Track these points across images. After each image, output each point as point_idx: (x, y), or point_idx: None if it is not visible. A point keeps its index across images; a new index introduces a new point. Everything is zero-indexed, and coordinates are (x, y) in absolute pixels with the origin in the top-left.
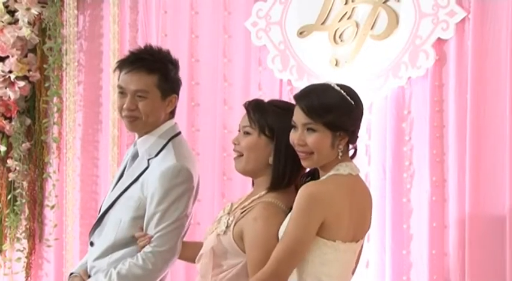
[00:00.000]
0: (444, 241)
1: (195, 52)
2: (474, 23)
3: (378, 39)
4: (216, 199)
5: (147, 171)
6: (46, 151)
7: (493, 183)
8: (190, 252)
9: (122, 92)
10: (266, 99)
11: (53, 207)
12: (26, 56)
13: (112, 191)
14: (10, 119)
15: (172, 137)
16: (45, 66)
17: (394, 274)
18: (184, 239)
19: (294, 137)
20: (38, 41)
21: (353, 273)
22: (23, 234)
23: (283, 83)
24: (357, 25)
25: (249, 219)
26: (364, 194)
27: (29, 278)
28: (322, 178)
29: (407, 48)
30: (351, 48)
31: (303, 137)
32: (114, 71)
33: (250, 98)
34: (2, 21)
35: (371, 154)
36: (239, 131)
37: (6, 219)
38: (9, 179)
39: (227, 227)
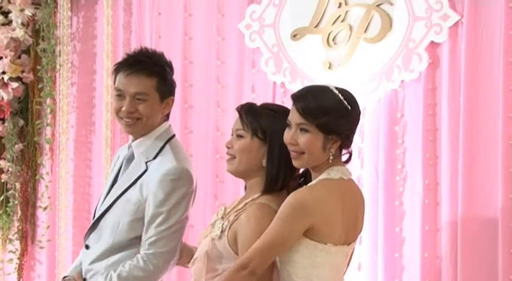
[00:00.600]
0: (436, 244)
1: (188, 54)
2: (467, 27)
3: (371, 42)
4: (208, 201)
5: (145, 174)
6: (39, 152)
7: (485, 186)
8: (183, 257)
9: (120, 95)
10: (259, 102)
11: (45, 208)
12: (19, 57)
13: (107, 194)
14: (3, 120)
15: (169, 140)
16: (38, 67)
17: (386, 277)
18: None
19: (287, 135)
20: (31, 42)
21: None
22: (15, 235)
23: (276, 86)
24: (350, 28)
25: (242, 220)
26: (356, 198)
27: (21, 280)
28: (312, 182)
29: (401, 51)
30: (344, 51)
31: (295, 136)
32: (115, 72)
33: (244, 101)
34: None
35: (364, 156)
36: (232, 134)
37: None
38: (2, 180)
39: (222, 231)
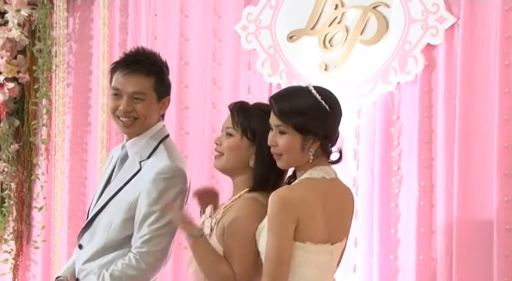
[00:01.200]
0: (432, 246)
1: (184, 55)
2: (463, 29)
3: (368, 44)
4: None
5: (139, 173)
6: (35, 153)
7: (481, 189)
8: None
9: (117, 94)
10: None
11: (41, 209)
12: (15, 57)
13: (101, 194)
14: None
15: (162, 139)
16: (34, 68)
17: (381, 279)
18: None
19: (269, 137)
20: (27, 42)
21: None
22: (11, 235)
23: (272, 87)
24: (347, 30)
25: (231, 214)
26: (342, 197)
27: (16, 280)
28: (294, 182)
29: (397, 53)
30: (341, 53)
31: (274, 138)
32: (111, 72)
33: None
34: None
35: (359, 158)
36: (222, 131)
37: None
38: None
39: (211, 230)
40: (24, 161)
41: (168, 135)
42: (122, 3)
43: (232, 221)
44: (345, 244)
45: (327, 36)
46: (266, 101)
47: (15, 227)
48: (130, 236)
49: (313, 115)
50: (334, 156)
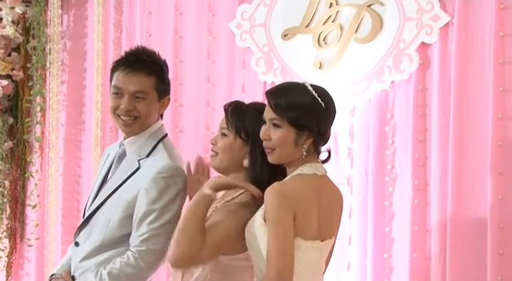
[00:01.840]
0: (426, 244)
1: (179, 53)
2: (458, 28)
3: (362, 42)
4: None
5: (138, 172)
6: (28, 150)
7: (474, 187)
8: None
9: (118, 93)
10: (249, 101)
11: (34, 206)
12: (9, 54)
13: (98, 192)
14: None
15: (161, 138)
16: (28, 65)
17: (375, 277)
18: None
19: (261, 131)
20: (21, 40)
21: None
22: (4, 233)
23: (267, 85)
24: (341, 28)
25: (215, 212)
26: (332, 195)
27: (10, 278)
28: (285, 179)
29: (391, 52)
30: (335, 52)
31: (268, 132)
32: (112, 70)
33: (234, 100)
34: None
35: (353, 157)
36: (218, 131)
37: None
38: None
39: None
40: (18, 159)
41: (166, 135)
42: (117, 1)
43: (216, 216)
44: (334, 243)
45: (322, 34)
46: (260, 99)
47: (9, 225)
48: (127, 235)
49: (309, 111)
50: (322, 155)
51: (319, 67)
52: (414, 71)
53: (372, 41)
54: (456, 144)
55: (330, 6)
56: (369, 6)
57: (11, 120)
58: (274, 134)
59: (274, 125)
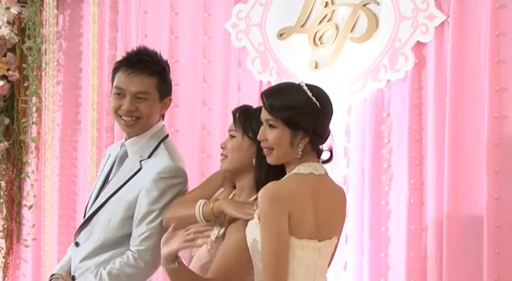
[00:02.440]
0: (422, 243)
1: (174, 53)
2: (453, 27)
3: (358, 42)
4: None
5: (139, 173)
6: (24, 151)
7: (471, 186)
8: None
9: (120, 93)
10: (245, 101)
11: (31, 207)
12: (5, 55)
13: (99, 192)
14: None
15: (163, 139)
16: (24, 65)
17: (371, 277)
18: None
19: (259, 132)
20: (17, 40)
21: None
22: (1, 234)
23: (262, 85)
24: (337, 28)
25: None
26: (332, 195)
27: (6, 279)
28: (282, 178)
29: (387, 51)
30: (331, 51)
31: (264, 132)
32: (114, 71)
33: (230, 100)
34: None
35: (350, 156)
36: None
37: None
38: None
39: (217, 237)
40: (14, 160)
41: (167, 135)
42: (112, 1)
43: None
44: (336, 244)
45: (317, 33)
46: (257, 98)
47: (5, 226)
48: (128, 235)
49: (303, 110)
50: (325, 155)
51: (315, 66)
52: (410, 70)
53: (367, 40)
54: (452, 143)
55: (326, 6)
56: (364, 5)
57: (6, 120)
58: (270, 135)
59: (270, 125)
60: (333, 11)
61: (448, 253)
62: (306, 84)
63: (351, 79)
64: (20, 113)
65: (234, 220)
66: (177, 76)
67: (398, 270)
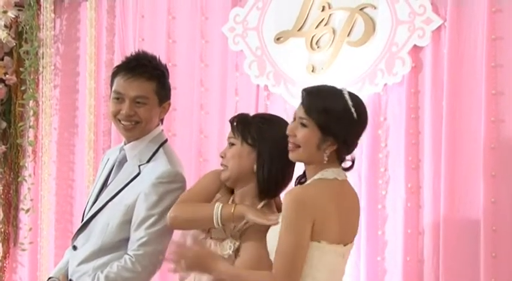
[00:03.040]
0: (419, 247)
1: (172, 57)
2: (450, 31)
3: (355, 46)
4: None
5: (138, 177)
6: (21, 155)
7: (467, 190)
8: None
9: (119, 98)
10: (243, 105)
11: (28, 211)
12: (2, 59)
13: (98, 195)
14: None
15: (162, 144)
16: (21, 69)
17: (368, 280)
18: None
19: (289, 127)
20: (14, 44)
21: None
22: None
23: (259, 89)
24: (334, 32)
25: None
26: (352, 199)
27: None
28: (306, 182)
29: (384, 55)
30: (328, 55)
31: (295, 129)
32: (113, 75)
33: (227, 104)
34: None
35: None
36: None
37: None
38: None
39: (234, 251)
40: (11, 163)
41: (166, 140)
42: (109, 5)
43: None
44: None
45: (314, 37)
46: (253, 102)
47: (2, 229)
48: (126, 239)
49: (338, 118)
50: (345, 163)
51: (312, 70)
52: (407, 74)
53: (364, 44)
54: (449, 147)
55: (323, 10)
56: (361, 9)
57: (4, 124)
58: (300, 132)
59: (302, 124)
60: (330, 15)
61: (445, 256)
62: (348, 92)
63: (347, 83)
64: (17, 117)
65: (244, 231)
66: (175, 80)
67: (395, 274)
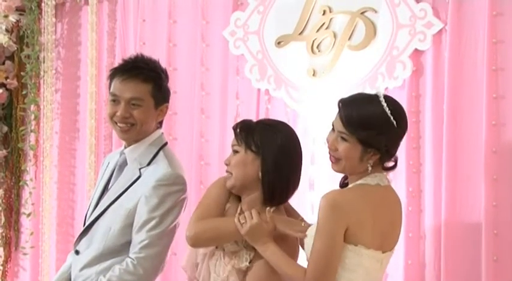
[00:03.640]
0: (420, 251)
1: (173, 61)
2: (451, 35)
3: (355, 49)
4: (192, 208)
5: (139, 180)
6: (23, 159)
7: (469, 194)
8: None
9: (115, 100)
10: (243, 109)
11: (29, 215)
12: (3, 63)
13: (99, 200)
14: None
15: (162, 147)
16: (22, 73)
17: None
18: None
19: (329, 138)
20: (15, 48)
21: None
22: None
23: (260, 93)
24: (335, 35)
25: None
26: (394, 206)
27: None
28: (348, 187)
29: (385, 59)
30: (329, 59)
31: (335, 142)
32: (109, 78)
33: (228, 108)
34: None
35: None
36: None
37: None
38: None
39: (250, 261)
40: (13, 167)
41: (166, 143)
42: (110, 9)
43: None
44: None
45: (315, 41)
46: (254, 106)
47: (4, 234)
48: (128, 243)
49: (379, 130)
50: (388, 163)
51: (313, 74)
52: (408, 77)
53: (365, 48)
54: (450, 150)
55: (324, 14)
56: (362, 13)
57: (5, 128)
58: (341, 146)
59: (342, 138)
60: (331, 19)
61: (446, 260)
62: (385, 98)
63: (348, 87)
64: (19, 121)
65: None
66: (175, 84)
67: (396, 278)
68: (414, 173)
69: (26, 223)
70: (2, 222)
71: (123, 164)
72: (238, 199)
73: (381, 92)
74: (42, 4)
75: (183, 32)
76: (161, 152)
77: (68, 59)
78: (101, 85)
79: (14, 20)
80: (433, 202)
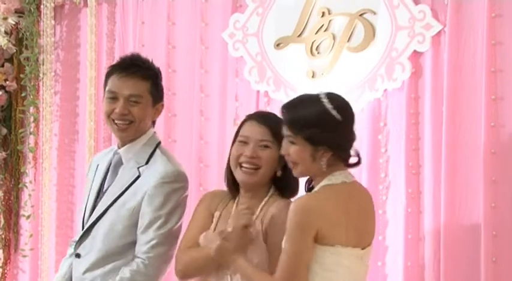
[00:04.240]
0: (419, 252)
1: (172, 63)
2: (450, 36)
3: (355, 51)
4: (192, 208)
5: (139, 179)
6: (22, 161)
7: (468, 195)
8: None
9: (113, 97)
10: (242, 111)
11: (28, 217)
12: (2, 65)
13: (95, 202)
14: None
15: (157, 145)
16: (21, 76)
17: None
18: None
19: (282, 147)
20: (14, 50)
21: None
22: None
23: (260, 95)
24: (334, 37)
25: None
26: (364, 200)
27: None
28: (314, 189)
29: (384, 60)
30: (328, 61)
31: (287, 147)
32: (105, 76)
33: (227, 110)
34: None
35: None
36: (243, 142)
37: None
38: None
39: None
40: (12, 170)
41: (160, 142)
42: (109, 11)
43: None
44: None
45: (314, 43)
46: (254, 108)
47: (3, 236)
48: (131, 243)
49: (323, 127)
50: (352, 159)
51: (312, 76)
52: (407, 79)
53: (364, 49)
54: (449, 152)
55: (322, 16)
56: (361, 15)
57: (4, 131)
58: (291, 150)
59: (290, 142)
60: (330, 21)
61: (446, 262)
62: (326, 95)
63: (347, 89)
64: (18, 123)
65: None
66: (174, 86)
67: (395, 279)
68: (413, 174)
69: (25, 225)
70: (2, 224)
71: (117, 164)
72: (226, 204)
73: (323, 92)
74: (41, 6)
75: (182, 34)
76: (158, 151)
77: (67, 61)
78: (100, 87)
79: (13, 22)
80: (432, 203)
